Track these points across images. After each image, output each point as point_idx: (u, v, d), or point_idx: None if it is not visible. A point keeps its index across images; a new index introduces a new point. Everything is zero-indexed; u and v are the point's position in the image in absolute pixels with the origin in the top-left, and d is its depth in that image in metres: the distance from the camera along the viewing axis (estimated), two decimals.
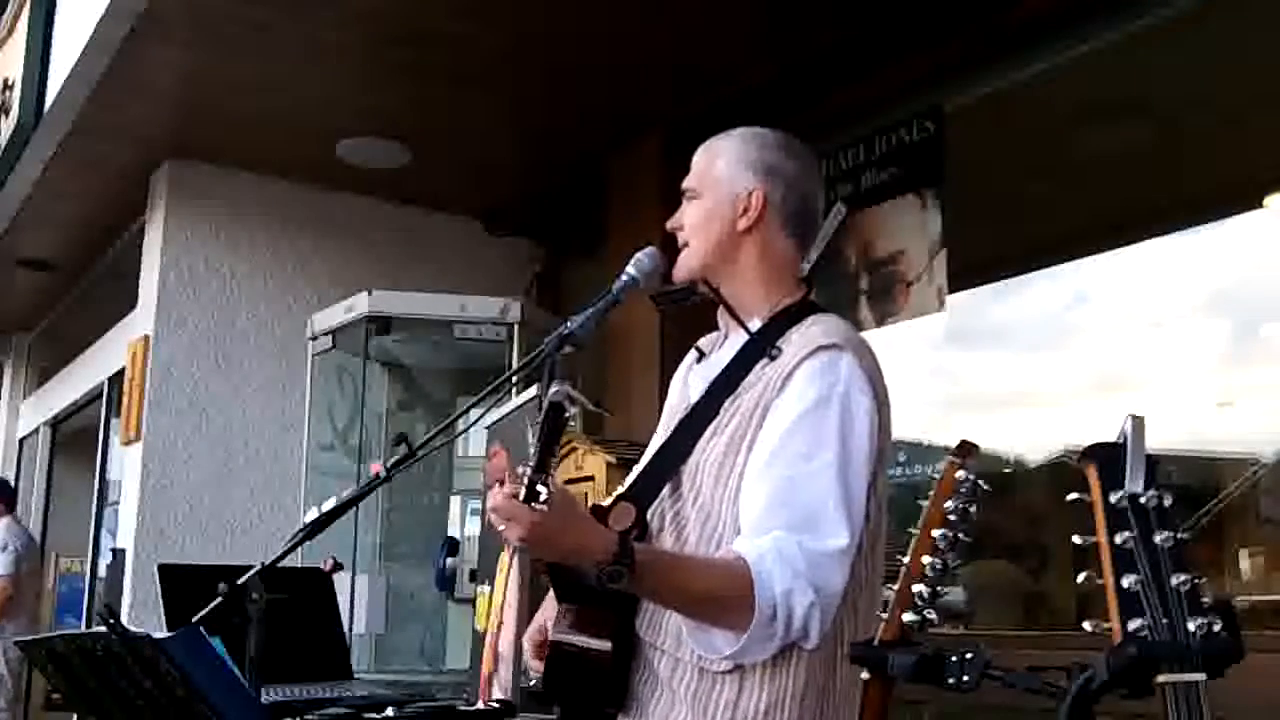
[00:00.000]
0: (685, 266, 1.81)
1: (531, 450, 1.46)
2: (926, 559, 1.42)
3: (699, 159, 1.84)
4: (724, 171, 1.79)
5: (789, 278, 1.80)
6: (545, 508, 1.44)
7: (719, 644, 1.58)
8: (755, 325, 1.75)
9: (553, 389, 1.47)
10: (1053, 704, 1.16)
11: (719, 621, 1.57)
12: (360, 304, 4.43)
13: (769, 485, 1.60)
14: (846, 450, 1.61)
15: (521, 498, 1.44)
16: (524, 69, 4.03)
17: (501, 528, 1.47)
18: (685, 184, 1.84)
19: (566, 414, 1.45)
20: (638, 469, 1.84)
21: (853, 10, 3.52)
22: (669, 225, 1.85)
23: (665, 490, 1.73)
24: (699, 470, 1.69)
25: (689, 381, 1.85)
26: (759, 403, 1.66)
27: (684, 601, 1.59)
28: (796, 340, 1.68)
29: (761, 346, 1.70)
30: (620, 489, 1.83)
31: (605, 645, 1.65)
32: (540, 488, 1.44)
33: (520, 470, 1.47)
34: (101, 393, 6.26)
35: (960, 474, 1.44)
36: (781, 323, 1.73)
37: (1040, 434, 3.83)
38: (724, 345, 1.82)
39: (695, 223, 1.80)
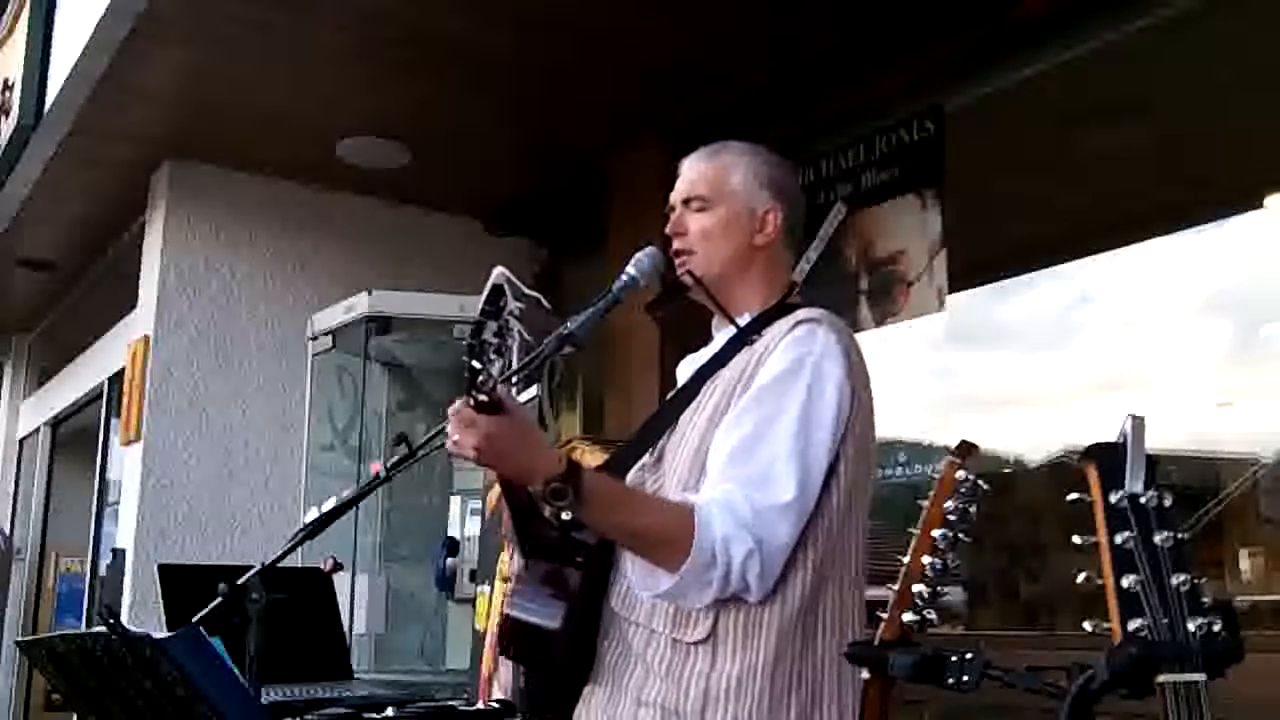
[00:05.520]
0: (695, 270, 1.84)
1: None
2: (926, 559, 1.43)
3: (704, 168, 1.88)
4: (741, 186, 1.85)
5: (783, 282, 1.88)
6: (484, 397, 1.46)
7: (661, 582, 1.62)
8: (745, 321, 1.82)
9: (496, 270, 1.49)
10: (1053, 704, 1.16)
11: (660, 558, 1.60)
12: (360, 304, 4.43)
13: (732, 442, 1.66)
14: (809, 413, 1.65)
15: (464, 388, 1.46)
16: (524, 69, 4.03)
17: (455, 437, 1.50)
18: (694, 192, 1.87)
19: (504, 300, 1.46)
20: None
21: (853, 10, 3.52)
22: (671, 230, 1.87)
23: (646, 463, 1.78)
24: (680, 445, 1.74)
25: (680, 370, 1.91)
26: (740, 380, 1.71)
27: (627, 533, 1.63)
28: (779, 325, 1.74)
29: (746, 336, 1.77)
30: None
31: (554, 624, 1.66)
32: (476, 364, 1.45)
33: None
34: (101, 393, 6.25)
35: (960, 474, 1.45)
36: (770, 314, 1.80)
37: (1040, 434, 3.82)
38: (716, 338, 1.89)
39: (711, 232, 1.84)
